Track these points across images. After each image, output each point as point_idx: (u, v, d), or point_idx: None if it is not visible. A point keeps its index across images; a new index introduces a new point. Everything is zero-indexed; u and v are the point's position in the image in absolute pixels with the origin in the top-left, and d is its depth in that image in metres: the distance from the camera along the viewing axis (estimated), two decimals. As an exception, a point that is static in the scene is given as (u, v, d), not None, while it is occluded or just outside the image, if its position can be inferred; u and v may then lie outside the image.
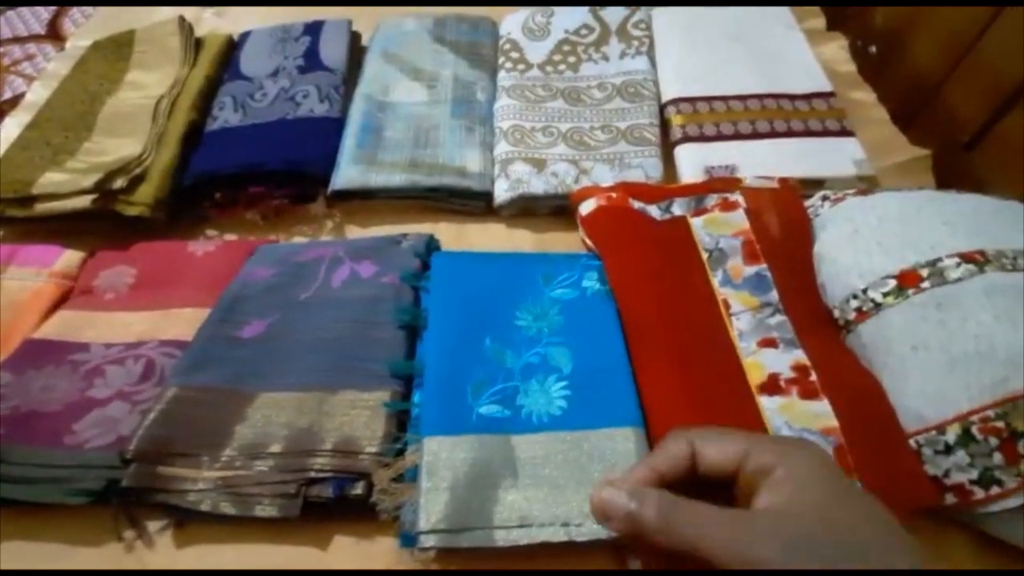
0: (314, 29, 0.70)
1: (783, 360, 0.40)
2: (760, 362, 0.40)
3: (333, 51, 0.68)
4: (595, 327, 0.45)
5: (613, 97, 0.63)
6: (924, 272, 0.39)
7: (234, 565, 0.37)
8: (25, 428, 0.41)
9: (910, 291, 0.38)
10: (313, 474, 0.38)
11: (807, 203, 0.49)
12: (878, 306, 0.39)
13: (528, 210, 0.57)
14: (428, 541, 0.35)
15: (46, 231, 0.55)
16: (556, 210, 0.56)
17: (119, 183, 0.54)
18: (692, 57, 0.64)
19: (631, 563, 0.37)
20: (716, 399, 0.40)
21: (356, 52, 0.71)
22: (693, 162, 0.57)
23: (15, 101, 0.74)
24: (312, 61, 0.67)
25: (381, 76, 0.66)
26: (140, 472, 0.38)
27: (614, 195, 0.52)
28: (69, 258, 0.53)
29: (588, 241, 0.51)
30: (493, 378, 0.42)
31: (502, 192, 0.56)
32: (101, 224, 0.55)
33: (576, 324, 0.45)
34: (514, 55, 0.67)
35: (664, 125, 0.61)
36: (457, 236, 0.56)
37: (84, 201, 0.53)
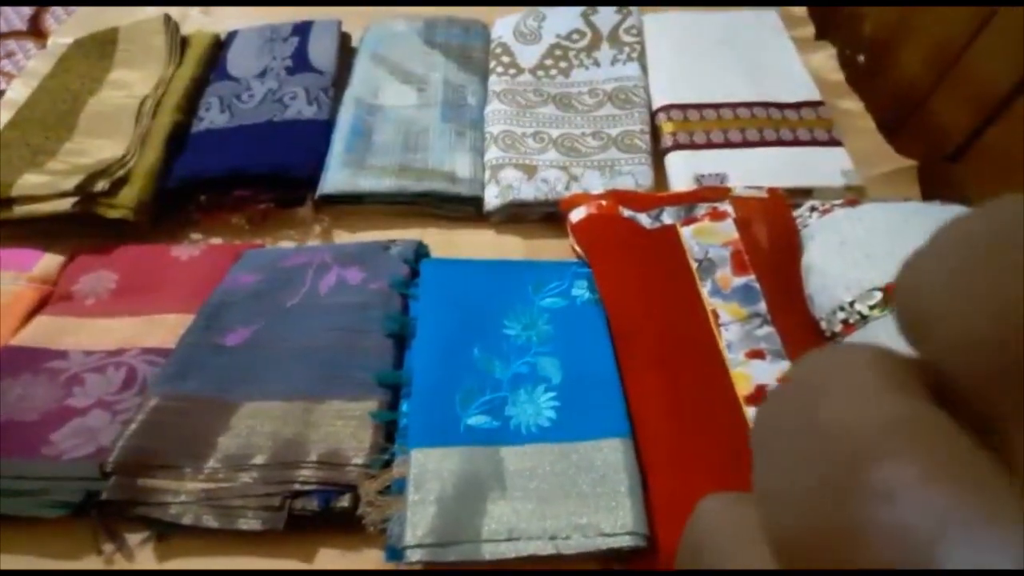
0: (303, 29, 0.69)
1: (770, 372, 0.40)
2: (748, 373, 0.41)
3: (322, 52, 0.67)
4: (584, 336, 0.45)
5: (604, 103, 0.63)
6: (910, 285, 0.39)
7: (217, 579, 0.37)
8: (1, 438, 0.40)
9: (896, 304, 0.39)
10: (298, 486, 0.37)
11: (795, 213, 0.49)
12: (864, 319, 0.40)
13: (518, 216, 0.56)
14: (415, 555, 0.34)
15: (24, 234, 0.54)
16: (546, 216, 0.56)
17: (101, 185, 0.53)
18: (683, 63, 0.65)
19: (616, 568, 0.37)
20: (704, 410, 0.40)
21: (346, 53, 0.70)
22: (683, 170, 0.57)
23: (-6, 98, 0.72)
24: (300, 62, 0.66)
25: (370, 79, 0.66)
26: (121, 485, 0.37)
27: (604, 203, 0.52)
28: (48, 262, 0.52)
29: (578, 249, 0.51)
30: (482, 388, 0.41)
31: (492, 198, 0.55)
32: (82, 227, 0.54)
33: (565, 333, 0.45)
34: (505, 59, 0.67)
35: (654, 132, 0.61)
36: (446, 242, 0.55)
37: (65, 204, 0.52)
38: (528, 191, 0.55)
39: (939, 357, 0.10)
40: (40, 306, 0.49)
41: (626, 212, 0.51)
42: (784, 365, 0.41)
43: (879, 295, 0.40)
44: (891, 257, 0.41)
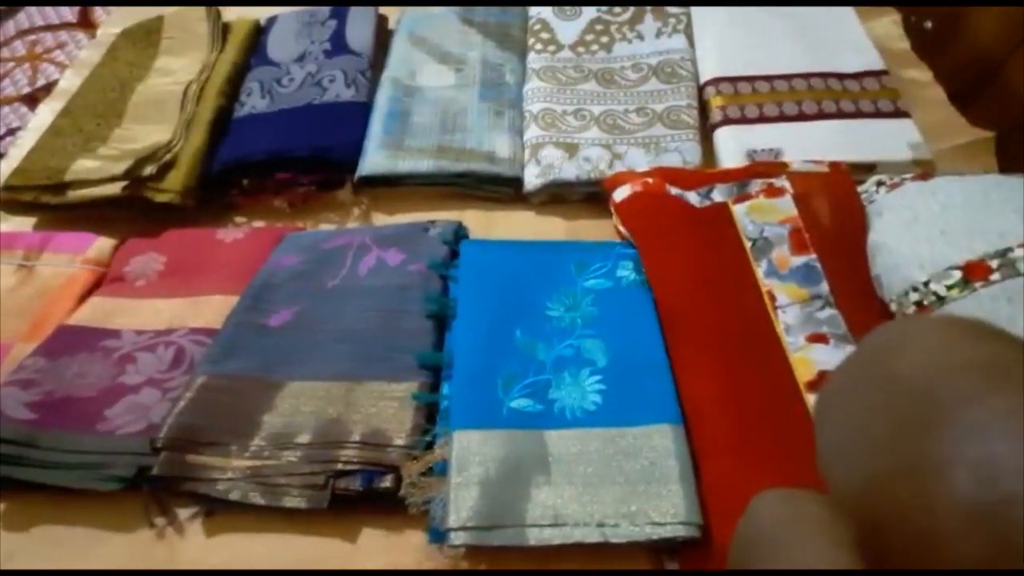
0: (340, 13, 0.69)
1: (835, 357, 0.38)
2: (809, 358, 0.38)
3: (359, 35, 0.67)
4: (630, 319, 0.43)
5: (649, 78, 0.60)
6: (993, 263, 0.36)
7: (263, 555, 0.37)
8: (58, 413, 0.41)
9: (978, 284, 0.35)
10: (341, 466, 0.37)
11: (860, 189, 0.46)
12: (941, 300, 0.37)
13: (559, 196, 0.55)
14: (458, 539, 0.34)
15: (75, 218, 0.56)
16: (588, 196, 0.54)
17: (149, 170, 0.54)
18: (733, 33, 0.61)
19: (667, 564, 0.35)
20: (760, 396, 0.38)
21: (383, 35, 0.69)
22: (734, 146, 0.54)
23: (48, 88, 0.75)
24: (338, 45, 0.66)
25: (408, 59, 0.65)
26: (170, 460, 0.38)
27: (650, 181, 0.49)
28: (102, 245, 0.53)
29: (623, 229, 0.49)
30: (524, 371, 0.40)
31: (533, 178, 0.54)
32: (130, 211, 0.55)
33: (610, 315, 0.43)
34: (544, 36, 0.65)
35: (703, 107, 0.58)
36: (485, 223, 0.54)
37: (115, 188, 0.53)
38: (569, 170, 0.54)
39: None
40: (94, 287, 0.51)
41: (673, 190, 0.49)
42: (849, 350, 0.38)
43: (958, 274, 0.36)
44: (970, 233, 0.38)
